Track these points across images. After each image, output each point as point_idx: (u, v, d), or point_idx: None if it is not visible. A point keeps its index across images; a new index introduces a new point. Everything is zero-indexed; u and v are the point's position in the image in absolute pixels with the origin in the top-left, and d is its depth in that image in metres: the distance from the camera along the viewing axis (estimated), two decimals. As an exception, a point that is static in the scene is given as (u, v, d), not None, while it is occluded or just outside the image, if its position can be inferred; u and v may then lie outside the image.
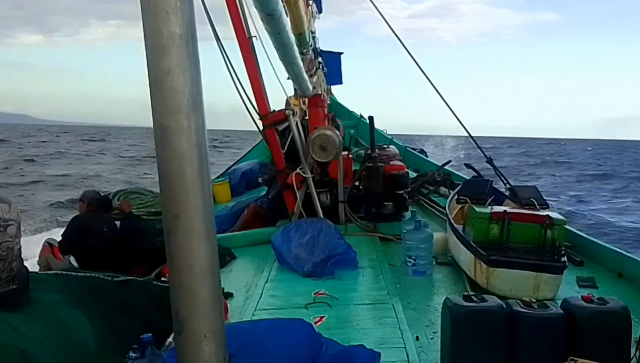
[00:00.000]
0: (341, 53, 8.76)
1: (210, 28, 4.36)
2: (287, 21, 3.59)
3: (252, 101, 4.98)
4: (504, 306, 2.45)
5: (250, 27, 4.94)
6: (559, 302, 2.52)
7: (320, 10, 6.88)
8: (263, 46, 5.04)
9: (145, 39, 0.89)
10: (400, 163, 5.61)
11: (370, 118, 5.88)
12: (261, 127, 5.10)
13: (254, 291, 3.77)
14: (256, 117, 5.08)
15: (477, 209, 3.73)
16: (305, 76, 5.22)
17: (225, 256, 4.68)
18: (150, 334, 2.40)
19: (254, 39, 5.00)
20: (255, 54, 5.06)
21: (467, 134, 5.73)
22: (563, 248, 3.51)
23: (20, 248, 2.35)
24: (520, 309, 2.42)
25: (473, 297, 2.49)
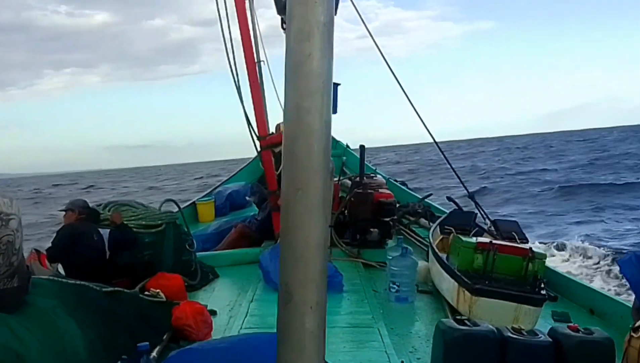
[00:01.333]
0: (338, 84, 8.91)
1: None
2: None
3: (252, 123, 5.09)
4: (495, 331, 2.53)
5: (260, 52, 5.11)
6: None
7: None
8: (270, 70, 5.20)
9: (290, 25, 0.96)
10: (389, 192, 5.72)
11: (362, 147, 6.00)
12: (259, 148, 5.17)
13: (239, 310, 3.76)
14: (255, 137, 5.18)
15: (463, 238, 3.83)
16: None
17: (209, 275, 4.66)
18: (147, 343, 2.40)
19: (261, 63, 5.14)
20: (262, 78, 5.20)
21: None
22: (543, 282, 3.62)
23: (21, 242, 2.31)
24: (510, 335, 2.51)
25: (466, 321, 2.57)
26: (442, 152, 5.77)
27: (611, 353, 2.47)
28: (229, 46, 4.74)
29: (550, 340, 2.50)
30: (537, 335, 2.53)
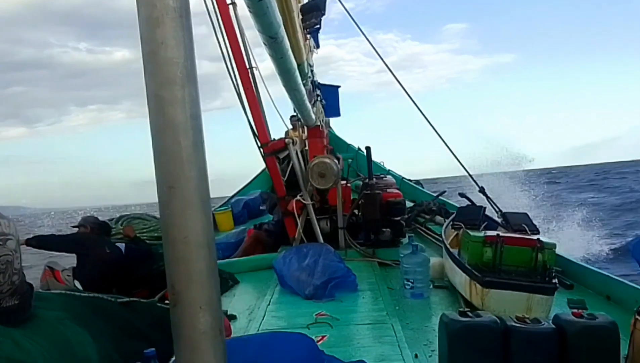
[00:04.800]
0: (339, 86, 9.05)
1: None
2: (289, 45, 3.73)
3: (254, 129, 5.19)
4: (498, 321, 2.57)
5: (250, 58, 5.21)
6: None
7: (317, 46, 7.18)
8: (262, 78, 5.28)
9: (138, 11, 0.91)
10: (397, 191, 5.79)
11: (367, 148, 6.11)
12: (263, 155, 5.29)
13: (257, 313, 3.88)
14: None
15: (471, 233, 3.88)
16: (308, 104, 5.41)
17: (228, 281, 4.79)
18: (153, 349, 2.49)
19: (254, 70, 5.24)
20: (256, 85, 5.29)
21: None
22: (554, 271, 3.64)
23: (20, 262, 2.43)
24: (514, 324, 2.55)
25: (468, 313, 2.62)
26: (465, 169, 5.79)
27: (615, 337, 2.49)
28: (225, 52, 4.78)
29: (553, 327, 2.53)
30: (541, 322, 2.56)
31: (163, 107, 0.91)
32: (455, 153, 5.70)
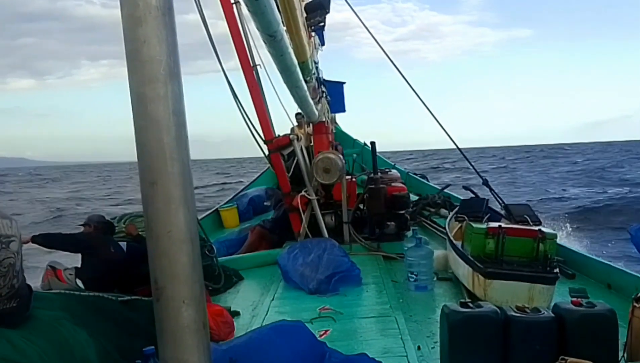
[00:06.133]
0: (344, 83, 9.09)
1: (215, 57, 4.57)
2: (289, 43, 3.75)
3: (257, 127, 5.19)
4: (499, 311, 2.60)
5: (254, 56, 5.21)
6: None
7: (322, 43, 7.19)
8: (267, 74, 5.27)
9: (121, 9, 0.92)
10: (402, 185, 5.82)
11: (372, 143, 6.16)
12: (267, 152, 5.31)
13: (261, 309, 3.92)
14: (261, 142, 5.28)
15: (474, 225, 3.90)
16: (310, 100, 5.42)
17: (232, 278, 4.82)
18: (152, 347, 2.50)
19: (258, 67, 5.25)
20: (260, 82, 5.30)
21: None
22: (555, 261, 3.66)
23: (21, 264, 2.35)
24: (514, 314, 2.58)
25: (469, 304, 2.65)
26: (458, 147, 5.82)
27: (614, 324, 2.51)
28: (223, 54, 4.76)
29: (552, 315, 2.55)
30: (540, 311, 2.58)
31: (146, 104, 0.92)
32: (452, 137, 5.74)
